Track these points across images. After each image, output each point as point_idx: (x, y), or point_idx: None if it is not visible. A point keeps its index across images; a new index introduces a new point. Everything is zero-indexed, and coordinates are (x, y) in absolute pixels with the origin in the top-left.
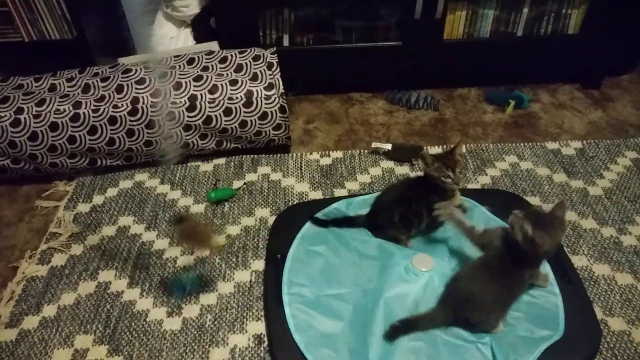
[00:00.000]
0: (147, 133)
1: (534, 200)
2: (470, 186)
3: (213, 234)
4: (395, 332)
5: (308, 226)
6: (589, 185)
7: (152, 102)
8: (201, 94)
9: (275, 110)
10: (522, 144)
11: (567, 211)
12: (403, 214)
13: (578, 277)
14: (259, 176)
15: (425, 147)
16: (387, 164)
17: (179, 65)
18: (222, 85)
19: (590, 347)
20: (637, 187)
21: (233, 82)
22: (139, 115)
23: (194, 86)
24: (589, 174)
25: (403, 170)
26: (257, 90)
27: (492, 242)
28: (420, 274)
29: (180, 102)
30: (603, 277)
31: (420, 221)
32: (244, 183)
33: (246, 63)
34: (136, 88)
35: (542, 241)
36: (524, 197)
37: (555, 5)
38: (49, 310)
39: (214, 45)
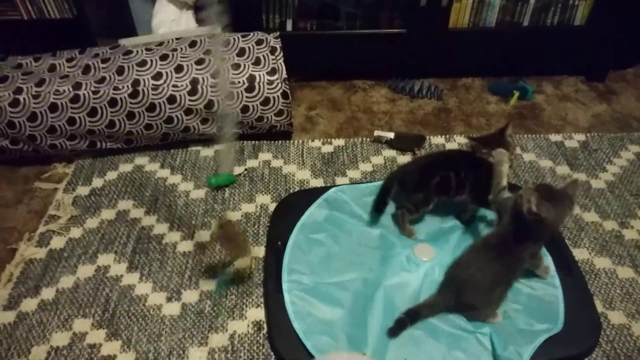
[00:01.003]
0: (148, 116)
1: None
2: None
3: (250, 246)
4: (401, 325)
5: (309, 214)
6: (591, 179)
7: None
8: (203, 78)
9: (277, 95)
10: (525, 136)
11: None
12: (445, 177)
13: (579, 270)
14: (260, 162)
15: (428, 137)
16: (390, 152)
17: (181, 48)
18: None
19: (590, 339)
20: None
21: (235, 66)
22: (139, 98)
23: (196, 69)
24: (592, 167)
25: (405, 159)
26: (259, 75)
27: (505, 212)
28: (421, 264)
29: (182, 85)
30: (604, 270)
31: (457, 193)
32: (245, 169)
33: (249, 47)
34: (137, 70)
35: (546, 213)
36: None
37: None
38: (48, 293)
39: (216, 29)
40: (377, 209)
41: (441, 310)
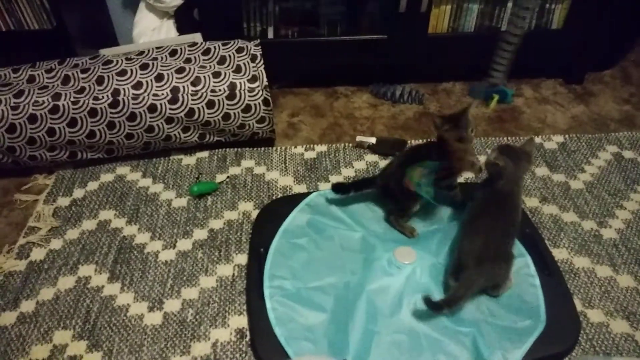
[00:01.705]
0: (129, 125)
1: None
2: None
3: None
4: (437, 308)
5: (291, 219)
6: (570, 179)
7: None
8: (184, 86)
9: (259, 102)
10: (505, 138)
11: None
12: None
13: (559, 270)
14: (242, 170)
15: (409, 141)
16: (371, 157)
17: (162, 57)
18: (205, 77)
19: (570, 338)
20: (618, 181)
21: (216, 74)
22: (119, 108)
23: (177, 78)
24: (571, 168)
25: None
26: (240, 83)
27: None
28: (402, 267)
29: (163, 94)
30: (583, 269)
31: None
32: (227, 177)
33: (230, 55)
34: (117, 80)
35: (502, 162)
36: None
37: None
38: (27, 306)
39: (197, 37)
40: (340, 189)
41: (480, 285)
